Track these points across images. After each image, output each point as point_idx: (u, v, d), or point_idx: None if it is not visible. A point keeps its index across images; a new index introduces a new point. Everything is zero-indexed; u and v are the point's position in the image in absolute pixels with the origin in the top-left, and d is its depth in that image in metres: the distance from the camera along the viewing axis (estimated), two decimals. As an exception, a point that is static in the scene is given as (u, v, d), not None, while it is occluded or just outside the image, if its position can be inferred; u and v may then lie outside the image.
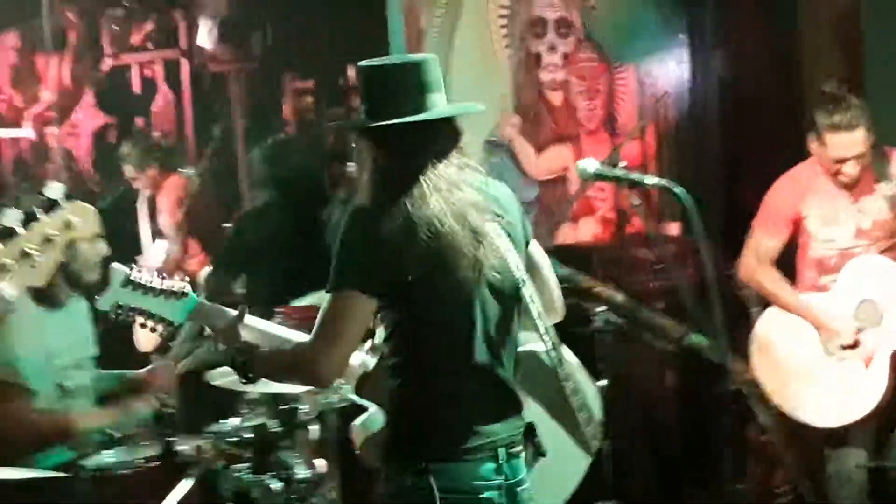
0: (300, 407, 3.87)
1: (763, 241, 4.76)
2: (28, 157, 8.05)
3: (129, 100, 7.60)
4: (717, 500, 5.12)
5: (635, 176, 3.32)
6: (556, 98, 6.26)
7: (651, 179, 3.26)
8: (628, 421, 5.00)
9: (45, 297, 3.85)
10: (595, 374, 4.74)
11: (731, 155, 6.40)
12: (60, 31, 7.79)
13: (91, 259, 3.97)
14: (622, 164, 3.53)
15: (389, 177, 2.87)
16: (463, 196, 2.82)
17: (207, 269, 5.70)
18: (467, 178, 2.87)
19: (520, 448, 2.92)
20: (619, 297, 4.81)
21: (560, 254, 5.03)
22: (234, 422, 3.77)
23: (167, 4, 7.25)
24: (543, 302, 3.12)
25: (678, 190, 3.15)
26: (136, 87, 7.61)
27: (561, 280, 4.71)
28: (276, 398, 3.79)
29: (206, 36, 6.86)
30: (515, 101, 6.12)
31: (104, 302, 3.07)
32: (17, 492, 3.48)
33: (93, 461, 3.62)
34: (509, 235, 2.91)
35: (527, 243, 3.05)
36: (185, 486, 3.48)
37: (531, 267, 3.06)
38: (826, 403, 4.59)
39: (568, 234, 6.08)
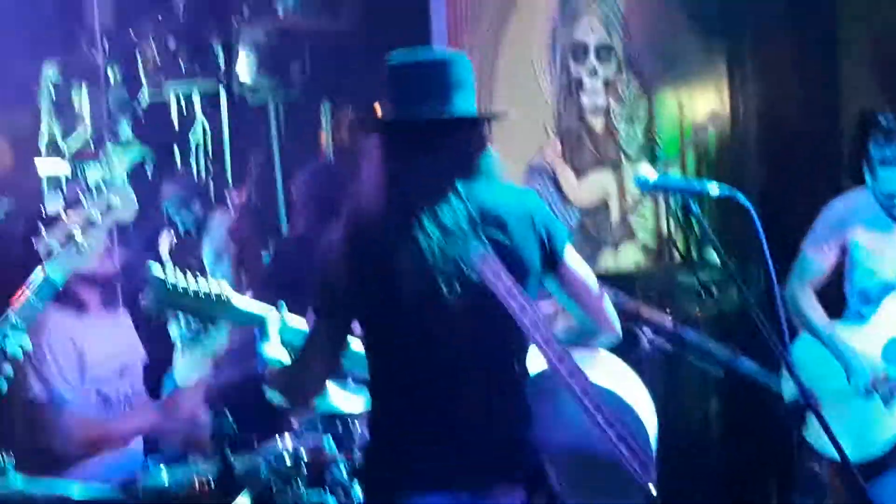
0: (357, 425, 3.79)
1: (808, 263, 4.72)
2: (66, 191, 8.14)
3: (167, 132, 7.65)
4: None
5: (697, 183, 3.24)
6: (597, 123, 6.26)
7: (714, 188, 3.14)
8: (672, 445, 4.95)
9: (75, 302, 3.89)
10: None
11: (771, 184, 6.33)
12: (99, 65, 7.90)
13: None
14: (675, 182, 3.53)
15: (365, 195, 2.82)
16: (437, 215, 2.70)
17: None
18: (465, 190, 2.73)
19: (503, 487, 2.75)
20: (666, 320, 4.74)
21: (603, 280, 5.02)
22: (288, 443, 3.67)
23: (205, 36, 7.31)
24: (585, 323, 2.98)
25: (741, 200, 3.04)
26: (175, 119, 7.65)
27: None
28: (333, 417, 3.74)
29: (243, 67, 6.90)
30: (557, 126, 6.13)
31: (148, 306, 3.16)
32: None
33: (150, 479, 3.56)
34: (504, 255, 2.72)
35: (554, 261, 2.85)
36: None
37: (563, 285, 2.90)
38: (852, 437, 4.38)
39: (610, 259, 6.08)
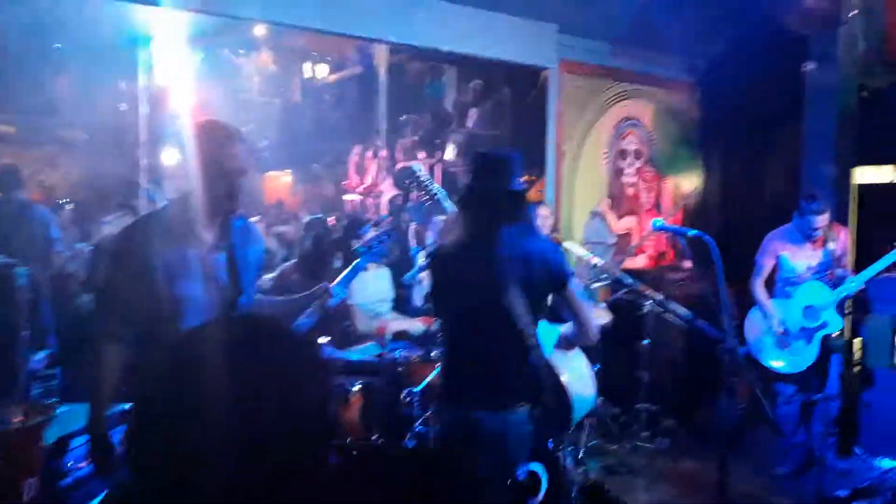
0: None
1: (760, 267, 4.50)
2: (358, 208, 8.25)
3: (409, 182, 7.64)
4: (709, 409, 4.84)
5: (683, 229, 3.16)
6: (629, 191, 6.07)
7: (692, 231, 3.05)
8: (659, 362, 4.78)
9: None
10: (643, 337, 4.65)
11: (724, 226, 6.07)
12: (376, 148, 8.01)
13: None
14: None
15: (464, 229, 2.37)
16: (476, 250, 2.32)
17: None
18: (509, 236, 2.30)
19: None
20: (659, 296, 4.61)
21: (626, 272, 4.91)
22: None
23: (436, 135, 7.30)
24: (575, 331, 2.49)
25: (707, 238, 2.93)
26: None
27: (628, 286, 4.56)
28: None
29: (450, 151, 6.90)
30: (608, 191, 5.96)
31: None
32: (351, 367, 3.53)
33: (391, 354, 3.57)
34: (519, 278, 2.26)
35: (557, 286, 2.37)
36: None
37: (567, 301, 2.39)
38: (789, 361, 4.36)
39: (630, 263, 5.86)
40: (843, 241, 4.39)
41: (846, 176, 5.11)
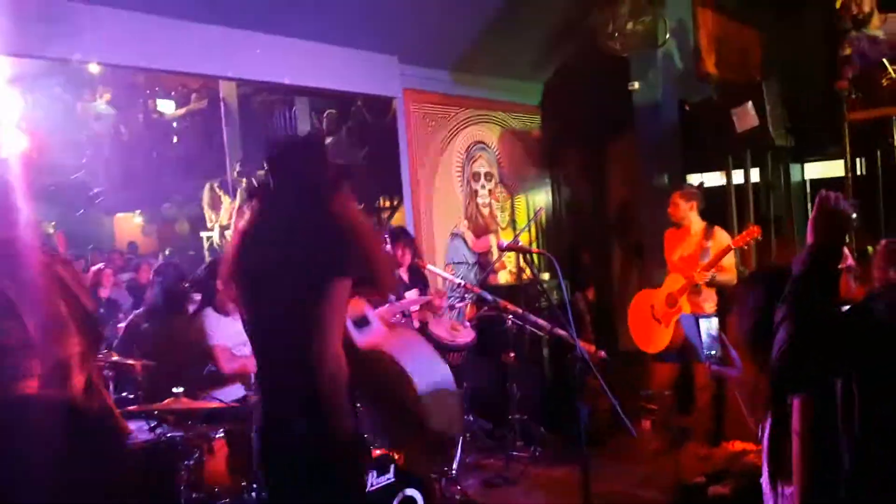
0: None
1: None
2: (218, 245, 7.92)
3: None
4: (572, 412, 5.06)
5: (527, 248, 3.36)
6: (485, 211, 6.26)
7: (536, 250, 3.26)
8: (524, 369, 4.94)
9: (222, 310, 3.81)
10: (508, 351, 4.77)
11: (573, 241, 6.45)
12: (230, 183, 7.73)
13: None
14: (520, 243, 3.60)
15: None
16: None
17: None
18: None
19: None
20: (519, 309, 4.78)
21: (489, 289, 5.05)
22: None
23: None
24: None
25: (549, 255, 3.12)
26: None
27: (489, 303, 4.66)
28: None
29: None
30: (465, 212, 6.10)
31: None
32: (214, 414, 3.35)
33: (256, 396, 3.35)
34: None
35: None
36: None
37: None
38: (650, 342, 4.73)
39: (493, 279, 6.02)
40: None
41: (682, 182, 5.61)
